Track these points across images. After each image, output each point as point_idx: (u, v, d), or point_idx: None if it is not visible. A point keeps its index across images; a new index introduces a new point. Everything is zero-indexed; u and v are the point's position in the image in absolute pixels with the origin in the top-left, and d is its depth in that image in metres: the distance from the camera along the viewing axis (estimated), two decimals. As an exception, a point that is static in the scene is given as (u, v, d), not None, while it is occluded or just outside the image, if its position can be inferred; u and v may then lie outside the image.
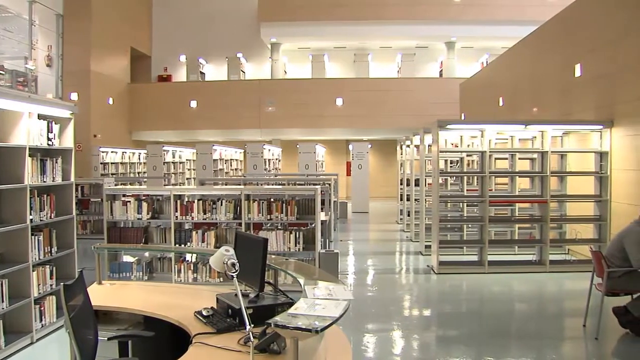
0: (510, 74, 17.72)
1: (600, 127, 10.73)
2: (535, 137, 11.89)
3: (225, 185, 14.84)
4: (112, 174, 21.91)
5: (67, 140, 7.59)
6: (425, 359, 6.74)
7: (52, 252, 7.23)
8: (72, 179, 7.66)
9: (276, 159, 25.88)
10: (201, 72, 29.89)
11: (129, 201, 9.37)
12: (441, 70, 29.43)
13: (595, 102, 11.33)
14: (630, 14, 10.16)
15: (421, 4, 26.35)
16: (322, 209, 11.33)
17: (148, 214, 9.39)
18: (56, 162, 7.26)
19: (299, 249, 9.19)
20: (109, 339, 4.37)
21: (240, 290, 3.65)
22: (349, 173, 27.25)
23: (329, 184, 14.63)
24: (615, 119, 10.51)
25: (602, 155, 10.82)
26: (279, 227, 9.38)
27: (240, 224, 9.25)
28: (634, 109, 9.85)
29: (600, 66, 11.19)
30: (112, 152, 22.65)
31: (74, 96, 22.05)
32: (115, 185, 14.00)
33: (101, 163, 21.66)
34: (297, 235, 9.19)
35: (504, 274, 10.79)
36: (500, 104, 17.57)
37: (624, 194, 10.19)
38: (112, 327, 4.74)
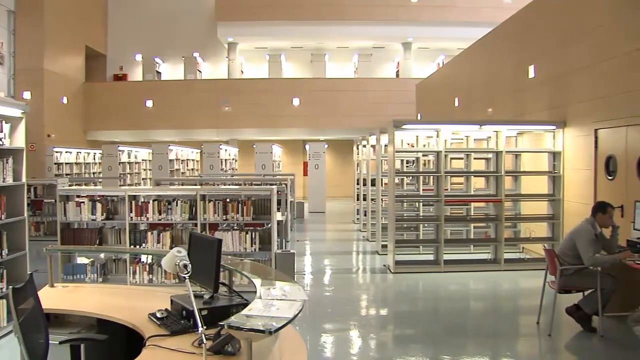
0: (465, 75, 17.89)
1: (553, 127, 10.88)
2: (490, 137, 12.03)
3: (182, 185, 14.71)
4: (66, 175, 21.53)
5: (19, 140, 7.43)
6: (382, 359, 6.75)
7: (3, 254, 7.07)
8: (24, 179, 7.50)
9: (233, 159, 25.76)
10: (157, 72, 29.58)
11: (83, 202, 9.23)
12: (397, 71, 29.63)
13: (549, 103, 11.49)
14: (582, 16, 10.32)
15: (378, 4, 26.47)
16: (278, 209, 11.31)
17: (102, 214, 9.25)
18: (7, 162, 7.10)
19: (255, 249, 9.15)
20: (60, 342, 4.29)
21: (195, 292, 3.61)
22: (305, 173, 27.27)
23: (286, 184, 14.59)
24: (567, 119, 10.67)
25: (555, 155, 10.99)
26: (235, 228, 9.33)
27: (196, 225, 9.18)
28: (586, 110, 10.01)
29: (553, 68, 11.35)
30: (66, 152, 22.27)
31: (27, 95, 21.68)
32: (70, 185, 13.77)
33: (55, 163, 21.28)
34: (253, 236, 9.15)
35: (459, 272, 10.88)
36: (456, 104, 17.74)
37: (576, 193, 10.35)
38: (64, 331, 4.64)
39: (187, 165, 25.17)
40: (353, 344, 7.21)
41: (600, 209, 7.20)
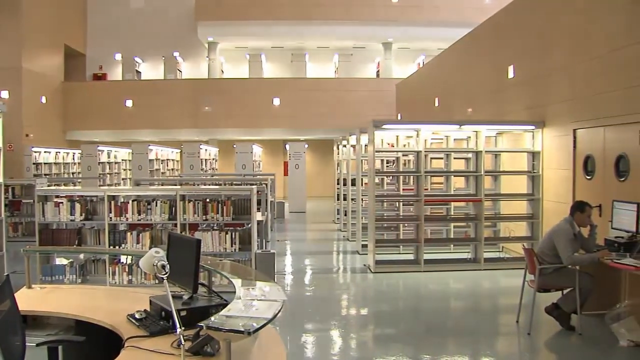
0: (445, 75, 17.95)
1: (532, 127, 10.94)
2: (470, 137, 12.07)
3: (161, 185, 14.64)
4: (45, 175, 21.36)
5: (-5, 140, 7.36)
6: (362, 358, 6.75)
7: (-21, 255, 7.00)
8: (1, 179, 7.45)
9: (213, 159, 25.71)
10: (137, 71, 29.43)
11: (62, 202, 9.15)
12: (378, 71, 29.69)
13: (528, 103, 11.56)
14: (560, 17, 10.39)
15: (358, 4, 26.51)
16: (258, 209, 11.28)
17: (81, 215, 9.18)
18: (-17, 163, 7.04)
19: (235, 249, 9.11)
20: (37, 344, 4.24)
21: (174, 292, 3.58)
22: (286, 173, 27.23)
23: (266, 184, 14.57)
24: (546, 119, 10.74)
25: (534, 155, 11.05)
26: (215, 228, 9.29)
27: (175, 225, 9.13)
28: (564, 111, 10.08)
29: (532, 68, 11.41)
30: (45, 152, 22.10)
31: (5, 94, 21.49)
32: (48, 186, 13.69)
33: (34, 163, 21.12)
34: (233, 236, 9.11)
35: (439, 272, 10.91)
36: (436, 104, 17.80)
37: (554, 192, 10.42)
38: (42, 333, 4.59)
39: (167, 165, 25.09)
40: (334, 343, 7.21)
41: (579, 208, 7.25)
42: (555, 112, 10.46)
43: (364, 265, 11.59)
